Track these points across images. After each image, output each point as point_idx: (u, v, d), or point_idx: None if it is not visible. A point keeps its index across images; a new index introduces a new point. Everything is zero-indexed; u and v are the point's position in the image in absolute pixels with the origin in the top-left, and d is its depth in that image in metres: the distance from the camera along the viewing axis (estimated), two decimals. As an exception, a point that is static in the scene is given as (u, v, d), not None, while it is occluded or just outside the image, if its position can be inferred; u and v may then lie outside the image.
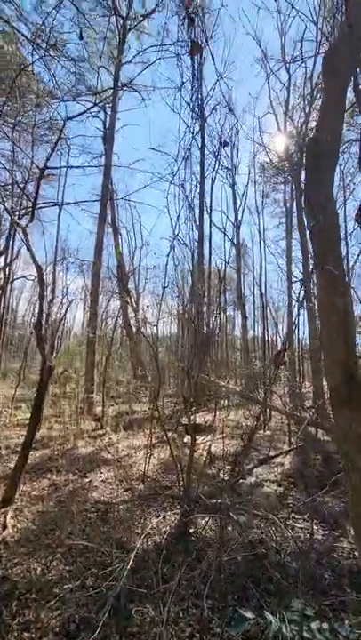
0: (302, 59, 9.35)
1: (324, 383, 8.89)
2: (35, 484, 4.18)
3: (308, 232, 1.52)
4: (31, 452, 3.96)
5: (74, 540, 2.84)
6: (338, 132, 1.54)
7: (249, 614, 1.27)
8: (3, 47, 10.38)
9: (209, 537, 2.92)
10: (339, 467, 4.90)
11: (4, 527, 3.05)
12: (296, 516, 3.57)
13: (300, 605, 1.28)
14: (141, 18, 12.22)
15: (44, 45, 8.85)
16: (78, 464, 4.99)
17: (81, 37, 6.30)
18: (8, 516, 3.21)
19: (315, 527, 3.40)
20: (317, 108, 10.88)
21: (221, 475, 4.79)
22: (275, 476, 4.98)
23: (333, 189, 1.61)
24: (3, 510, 3.33)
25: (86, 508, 3.56)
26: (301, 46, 9.25)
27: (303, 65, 10.09)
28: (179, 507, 3.32)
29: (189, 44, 1.92)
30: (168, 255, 3.01)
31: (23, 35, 10.14)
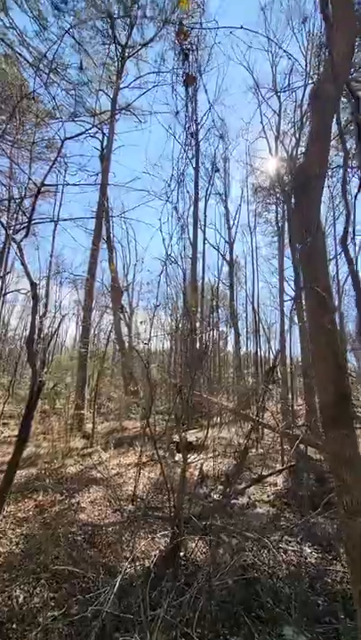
0: (292, 89, 9.84)
1: (317, 400, 8.90)
2: (20, 504, 4.03)
3: (298, 253, 1.57)
4: (17, 471, 3.84)
5: (59, 564, 2.73)
6: (324, 161, 1.63)
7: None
8: (5, 69, 10.72)
9: (199, 560, 2.83)
10: (332, 486, 4.86)
11: (-14, 551, 2.91)
12: (289, 539, 3.49)
13: (292, 633, 1.25)
14: (139, 46, 12.81)
15: (45, 69, 9.18)
16: (66, 484, 4.84)
17: (81, 68, 6.58)
18: (-9, 540, 3.07)
19: (308, 550, 3.33)
20: (307, 133, 11.40)
21: (213, 495, 4.70)
22: (268, 496, 4.89)
23: (321, 213, 1.69)
24: (-15, 533, 3.20)
25: (73, 530, 3.44)
26: (290, 78, 9.75)
27: (293, 94, 10.61)
28: (169, 528, 3.23)
29: (184, 76, 2.03)
30: (160, 274, 3.06)
31: (25, 59, 10.53)
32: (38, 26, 10.39)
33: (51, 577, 2.59)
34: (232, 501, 4.29)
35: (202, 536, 2.51)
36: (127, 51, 12.36)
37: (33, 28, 10.56)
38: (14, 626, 2.08)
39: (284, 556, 3.13)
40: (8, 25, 10.56)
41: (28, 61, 10.50)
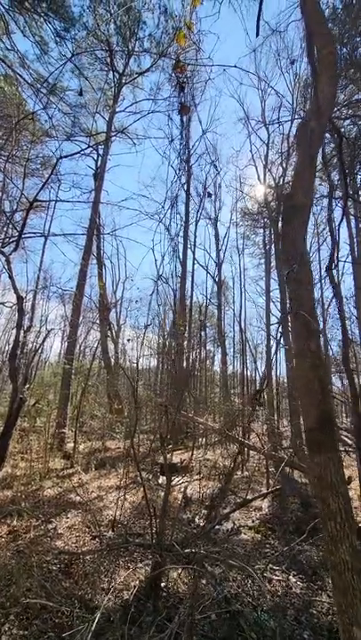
0: (280, 122, 10.41)
1: (302, 423, 8.91)
2: (-8, 530, 3.79)
3: (284, 278, 1.62)
4: (-8, 494, 3.64)
5: (31, 597, 2.55)
6: (310, 192, 1.72)
7: None
8: (3, 88, 10.99)
9: (181, 592, 2.70)
10: (317, 511, 4.79)
11: None
12: (274, 567, 3.39)
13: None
14: (136, 75, 13.41)
15: (44, 90, 9.45)
16: (43, 507, 4.60)
17: (80, 94, 6.85)
18: None
19: (293, 579, 3.23)
20: (293, 163, 12.01)
21: (197, 520, 4.55)
22: (252, 521, 4.77)
23: (307, 240, 1.76)
24: None
25: (48, 559, 3.24)
26: (278, 113, 10.34)
27: (281, 127, 11.22)
28: (150, 557, 3.09)
29: (179, 106, 2.15)
30: (152, 294, 3.08)
31: (24, 79, 10.83)
32: (40, 50, 10.77)
33: (21, 611, 2.41)
34: (216, 527, 4.16)
35: (185, 565, 2.41)
36: (124, 78, 12.92)
37: (34, 52, 10.90)
38: (-22, 668, 1.92)
39: (269, 586, 3.03)
40: (10, 47, 10.92)
41: (27, 82, 10.80)
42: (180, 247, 11.79)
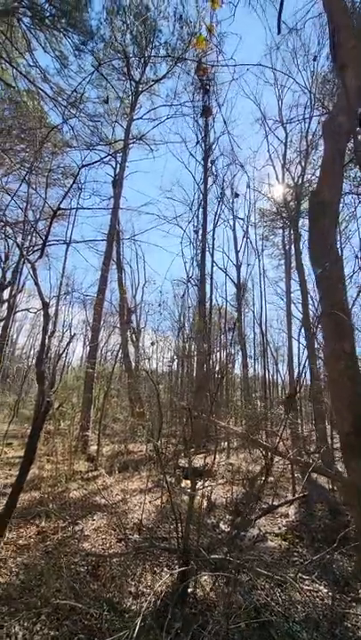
0: (298, 120, 10.25)
1: (328, 427, 8.62)
2: (22, 530, 3.89)
3: (315, 278, 1.57)
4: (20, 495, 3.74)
5: (61, 598, 2.58)
6: (338, 187, 1.67)
7: None
8: (26, 103, 11.44)
9: (209, 599, 2.66)
10: (347, 519, 4.60)
11: (-14, 581, 2.79)
12: (304, 576, 3.28)
13: None
14: (153, 82, 13.62)
15: (64, 103, 9.75)
16: (69, 509, 4.68)
17: (106, 102, 7.07)
18: (-9, 568, 2.95)
19: (324, 590, 3.11)
20: (312, 162, 11.75)
21: (222, 525, 4.49)
22: (279, 528, 4.65)
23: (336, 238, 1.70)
24: (-15, 561, 3.08)
25: (76, 560, 3.28)
26: (298, 110, 10.18)
27: (299, 125, 11.04)
28: (176, 561, 3.07)
29: (202, 107, 2.14)
30: (183, 296, 3.07)
31: (46, 93, 11.23)
32: (60, 64, 11.15)
33: (52, 612, 2.45)
34: (242, 533, 4.08)
35: (215, 572, 2.37)
36: (141, 86, 13.14)
37: (54, 66, 11.29)
38: (12, 666, 1.96)
39: (300, 596, 2.93)
40: (32, 64, 11.38)
41: (48, 96, 11.19)
42: (200, 251, 11.79)
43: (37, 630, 2.26)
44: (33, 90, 11.42)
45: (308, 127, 11.05)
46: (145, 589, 2.77)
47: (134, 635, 1.35)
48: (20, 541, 3.63)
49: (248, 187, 12.19)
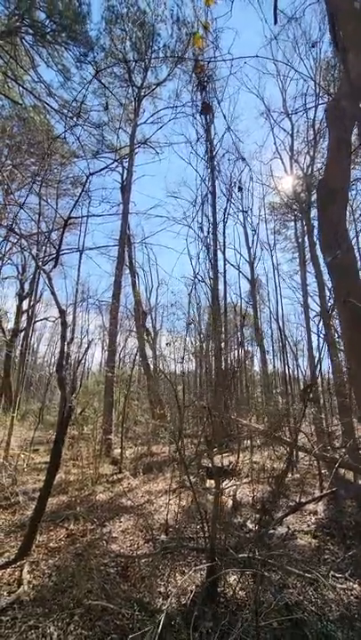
0: (304, 109, 10.06)
1: (355, 420, 8.38)
2: (52, 533, 3.98)
3: (326, 267, 1.53)
4: (48, 499, 3.83)
5: (92, 599, 2.63)
6: (346, 173, 1.63)
7: None
8: (33, 118, 11.77)
9: (239, 597, 2.64)
10: (379, 515, 4.45)
11: (20, 583, 2.87)
12: (336, 575, 3.20)
13: None
14: (154, 86, 13.71)
15: (69, 114, 9.98)
16: (96, 512, 4.75)
17: (106, 108, 7.19)
18: (24, 571, 3.03)
19: (358, 588, 3.02)
20: (321, 150, 11.50)
21: (249, 524, 4.44)
22: (308, 525, 4.56)
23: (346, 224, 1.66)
24: (19, 564, 3.17)
25: (105, 562, 3.33)
26: (303, 99, 10.03)
27: (305, 114, 10.84)
28: (204, 561, 3.06)
29: (201, 105, 2.14)
30: (190, 293, 3.09)
31: (52, 107, 11.52)
32: (63, 77, 11.41)
33: (84, 613, 2.50)
34: (270, 531, 4.03)
35: (244, 569, 2.35)
36: (143, 90, 13.26)
37: (58, 80, 11.58)
38: (49, 666, 2.00)
39: (333, 595, 2.86)
40: (36, 79, 11.69)
41: (54, 109, 11.48)
42: (211, 249, 11.75)
43: (71, 630, 2.31)
44: (39, 105, 11.74)
45: (315, 115, 10.84)
46: (174, 590, 2.78)
47: (159, 630, 1.36)
48: (51, 544, 3.71)
49: (251, 179, 12.00)
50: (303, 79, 8.71)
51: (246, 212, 14.25)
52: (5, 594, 2.76)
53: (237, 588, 2.64)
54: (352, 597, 2.86)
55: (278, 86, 12.69)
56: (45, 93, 11.80)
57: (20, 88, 11.15)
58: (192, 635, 1.71)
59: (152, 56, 12.32)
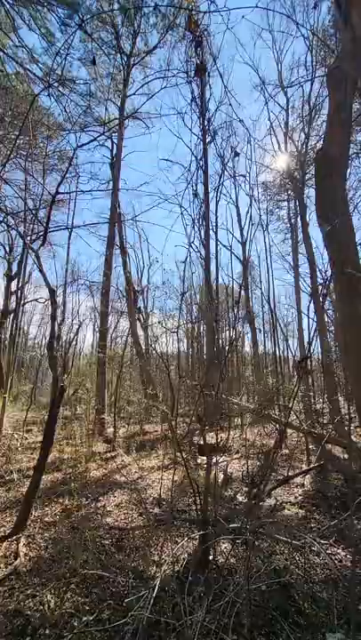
0: (300, 83, 9.72)
1: (341, 399, 8.61)
2: (47, 509, 4.06)
3: (324, 238, 1.49)
4: (43, 476, 3.88)
5: (88, 568, 2.71)
6: (345, 141, 1.57)
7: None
8: (16, 87, 11.07)
9: (230, 564, 2.76)
10: (363, 486, 4.66)
11: (17, 556, 2.93)
12: (321, 541, 3.36)
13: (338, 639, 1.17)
14: (144, 54, 12.96)
15: (54, 83, 9.42)
16: (91, 487, 4.85)
17: (94, 62, 6.70)
18: (20, 544, 3.10)
19: (342, 553, 3.19)
20: (316, 127, 11.19)
21: (239, 497, 4.60)
22: (295, 497, 4.74)
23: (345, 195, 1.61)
24: (15, 537, 3.23)
25: (100, 534, 3.43)
26: (298, 72, 9.65)
27: (300, 88, 10.48)
28: (197, 531, 3.17)
29: (196, 66, 2.02)
30: (185, 261, 3.05)
31: (35, 75, 10.83)
32: (47, 42, 10.66)
33: (80, 581, 2.58)
34: (259, 503, 4.18)
35: (233, 538, 2.44)
36: (132, 59, 12.53)
37: (42, 45, 10.84)
38: (47, 631, 2.07)
39: (318, 560, 3.01)
40: (18, 44, 10.90)
41: (38, 77, 10.79)
42: (202, 230, 11.54)
43: (68, 598, 2.39)
44: (22, 72, 11.01)
45: (311, 89, 10.48)
46: (167, 558, 2.88)
47: (153, 594, 1.40)
48: (47, 518, 3.79)
49: (249, 142, 11.60)
50: (303, 37, 8.34)
51: (244, 175, 13.90)
52: (2, 565, 2.83)
53: (229, 555, 2.75)
54: (336, 561, 3.02)
55: (274, 57, 12.19)
56: (28, 60, 11.06)
57: (1, 53, 10.40)
58: (186, 598, 1.78)
59: (142, 21, 11.59)
